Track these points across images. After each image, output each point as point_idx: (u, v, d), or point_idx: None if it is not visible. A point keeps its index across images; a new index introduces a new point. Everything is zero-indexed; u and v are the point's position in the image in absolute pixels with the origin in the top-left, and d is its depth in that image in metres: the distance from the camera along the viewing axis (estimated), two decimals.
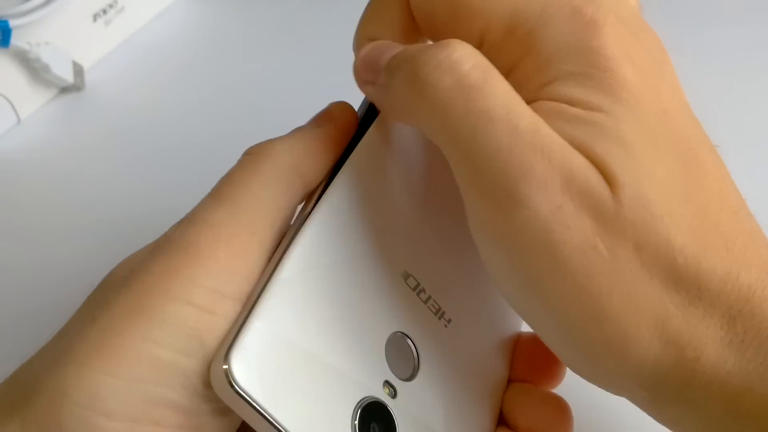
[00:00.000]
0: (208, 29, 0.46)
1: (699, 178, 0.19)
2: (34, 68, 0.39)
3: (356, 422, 0.19)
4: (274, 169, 0.21)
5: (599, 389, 0.20)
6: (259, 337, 0.18)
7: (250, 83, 0.43)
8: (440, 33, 0.20)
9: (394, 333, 0.21)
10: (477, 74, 0.18)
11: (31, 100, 0.41)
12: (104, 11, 0.42)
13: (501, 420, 0.25)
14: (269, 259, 0.20)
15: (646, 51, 0.20)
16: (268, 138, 0.22)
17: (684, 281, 0.18)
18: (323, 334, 0.19)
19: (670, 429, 0.20)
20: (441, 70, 0.18)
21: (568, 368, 0.21)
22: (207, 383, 0.18)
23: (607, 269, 0.18)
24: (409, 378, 0.21)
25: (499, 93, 0.18)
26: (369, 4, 0.23)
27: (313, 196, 0.21)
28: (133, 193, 0.37)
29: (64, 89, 0.42)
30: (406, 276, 0.22)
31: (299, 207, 0.21)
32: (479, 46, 0.20)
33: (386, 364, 0.21)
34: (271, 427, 0.17)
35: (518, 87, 0.19)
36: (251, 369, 0.17)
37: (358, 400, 0.19)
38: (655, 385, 0.18)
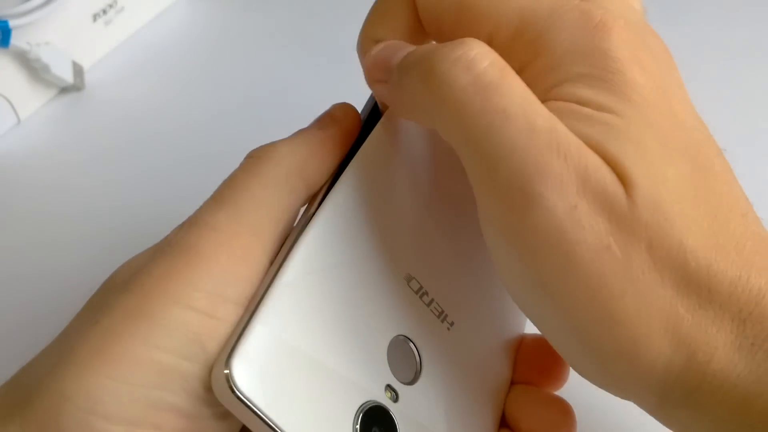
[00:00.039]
0: (208, 29, 0.46)
1: (708, 181, 0.19)
2: (34, 68, 0.39)
3: (358, 426, 0.19)
4: (277, 171, 0.20)
5: (601, 391, 0.20)
6: (261, 342, 0.18)
7: (251, 83, 0.43)
8: (447, 35, 0.20)
9: (397, 336, 0.21)
10: (494, 72, 0.18)
11: (31, 100, 0.41)
12: (104, 11, 0.42)
13: (503, 422, 0.25)
14: (271, 263, 0.20)
15: (653, 55, 0.20)
16: (269, 139, 0.22)
17: (695, 284, 0.18)
18: (325, 339, 0.19)
19: None
20: (457, 68, 0.18)
21: (573, 371, 0.21)
22: (208, 387, 0.18)
23: (620, 271, 0.17)
24: (411, 382, 0.21)
25: (515, 91, 0.18)
26: (374, 6, 0.23)
27: (316, 199, 0.21)
28: (133, 193, 0.37)
29: (64, 89, 0.42)
30: (409, 279, 0.22)
31: (302, 209, 0.21)
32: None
33: (388, 367, 0.21)
34: None
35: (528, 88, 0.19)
36: (253, 374, 0.17)
37: (360, 404, 0.19)
38: (665, 389, 0.18)
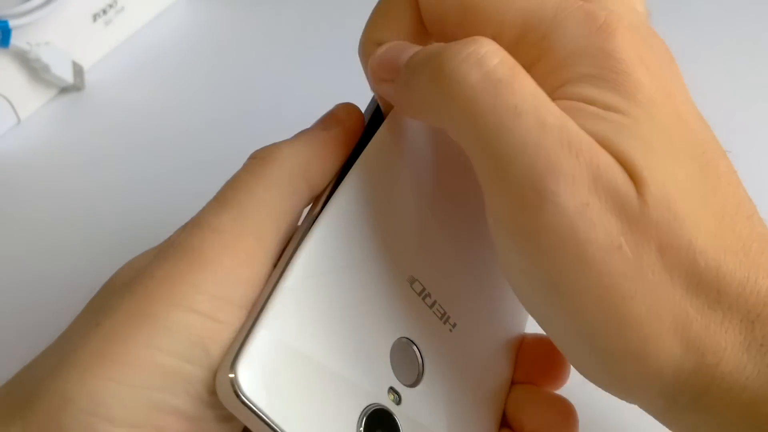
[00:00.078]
0: (208, 29, 0.46)
1: (714, 182, 0.19)
2: (34, 68, 0.39)
3: (361, 429, 0.19)
4: (280, 173, 0.20)
5: (601, 390, 0.20)
6: (265, 346, 0.18)
7: (251, 83, 0.43)
8: (451, 37, 0.20)
9: (399, 339, 0.21)
10: (504, 69, 0.18)
11: (31, 100, 0.41)
12: (104, 11, 0.42)
13: (504, 422, 0.25)
14: (274, 265, 0.20)
15: (656, 56, 0.20)
16: (270, 139, 0.22)
17: (704, 285, 0.18)
18: (328, 342, 0.19)
19: None
20: (468, 64, 0.18)
21: (573, 370, 0.21)
22: (211, 390, 0.18)
23: (630, 271, 0.17)
24: (414, 384, 0.21)
25: (526, 89, 0.18)
26: (376, 9, 0.23)
27: (319, 201, 0.21)
28: (133, 193, 0.37)
29: (64, 89, 0.42)
30: (412, 281, 0.22)
31: (305, 211, 0.21)
32: None
33: (391, 370, 0.21)
34: None
35: None
36: (257, 378, 0.17)
37: (363, 407, 0.19)
38: (674, 392, 0.18)
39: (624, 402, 0.20)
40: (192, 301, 0.18)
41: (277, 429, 0.17)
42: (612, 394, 0.20)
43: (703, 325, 0.18)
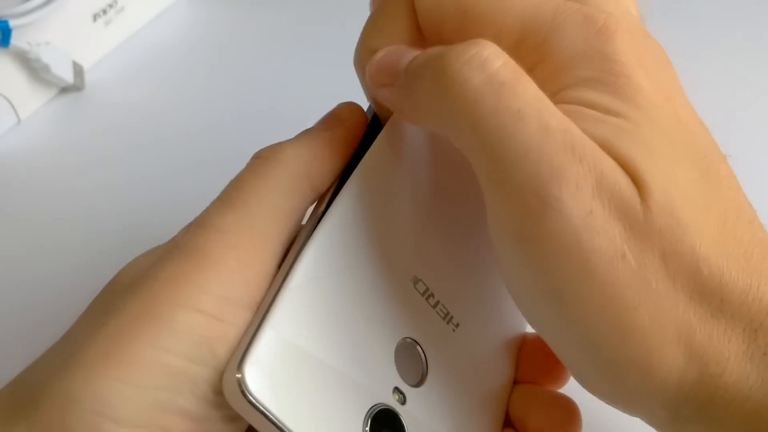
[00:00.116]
0: (208, 29, 0.46)
1: (716, 186, 0.19)
2: (34, 68, 0.39)
3: (367, 429, 0.19)
4: (284, 174, 0.20)
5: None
6: (272, 346, 0.18)
7: (251, 83, 0.43)
8: (449, 44, 0.20)
9: (404, 339, 0.21)
10: (507, 72, 0.18)
11: (31, 100, 0.40)
12: (104, 11, 0.42)
13: (507, 422, 0.25)
14: (279, 266, 0.20)
15: (655, 59, 0.20)
16: (271, 139, 0.22)
17: (707, 293, 0.17)
18: (334, 342, 0.19)
19: None
20: (470, 67, 0.18)
21: (580, 385, 0.20)
22: (217, 390, 0.18)
23: (634, 280, 0.17)
24: (418, 384, 0.21)
25: (529, 92, 0.18)
26: (373, 15, 0.23)
27: (322, 201, 0.21)
28: (133, 193, 0.37)
29: (64, 89, 0.42)
30: (416, 281, 0.22)
31: (308, 211, 0.21)
32: None
33: (395, 370, 0.21)
34: None
35: None
36: (264, 378, 0.17)
37: (369, 407, 0.19)
38: (677, 403, 0.18)
39: None
40: (197, 302, 0.18)
41: (284, 429, 0.17)
42: (614, 406, 0.20)
43: (706, 334, 0.17)
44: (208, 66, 0.44)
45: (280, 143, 0.21)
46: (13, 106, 0.39)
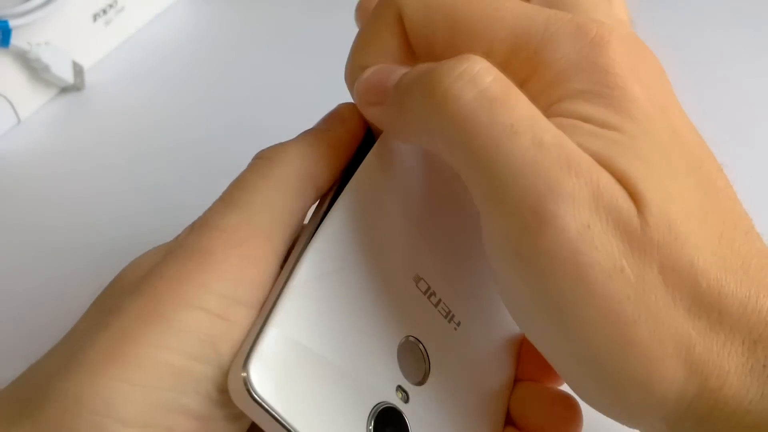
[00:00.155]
0: (208, 29, 0.46)
1: (713, 197, 0.18)
2: (34, 68, 0.39)
3: (371, 427, 0.19)
4: (287, 173, 0.20)
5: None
6: (277, 345, 0.18)
7: (251, 83, 0.43)
8: (440, 59, 0.20)
9: (406, 337, 0.21)
10: (498, 87, 0.18)
11: (31, 100, 0.40)
12: (104, 11, 0.42)
13: (508, 419, 0.25)
14: (281, 265, 0.20)
15: (648, 68, 0.20)
16: (271, 139, 0.22)
17: (706, 305, 0.17)
18: (338, 341, 0.19)
19: None
20: (461, 83, 0.18)
21: (580, 399, 0.20)
22: (221, 389, 0.18)
23: (633, 294, 0.17)
24: (420, 382, 0.21)
25: (521, 106, 0.18)
26: (362, 32, 0.22)
27: (324, 201, 0.21)
28: (133, 192, 0.37)
29: (64, 89, 0.42)
30: (418, 279, 0.22)
31: (310, 211, 0.21)
32: None
33: (398, 368, 0.21)
34: None
35: None
36: (269, 377, 0.17)
37: (373, 405, 0.20)
38: (676, 417, 0.18)
39: None
40: (201, 301, 0.18)
41: (289, 427, 0.17)
42: (613, 419, 0.19)
43: (705, 348, 0.17)
44: (209, 66, 0.44)
45: (282, 143, 0.22)
46: (13, 106, 0.39)
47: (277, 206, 0.20)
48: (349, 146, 0.22)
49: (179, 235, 0.20)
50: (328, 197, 0.21)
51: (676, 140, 0.19)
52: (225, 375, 0.18)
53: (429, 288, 0.22)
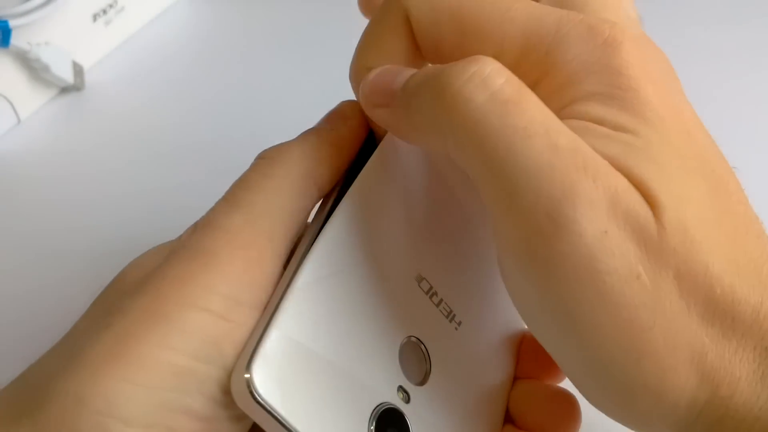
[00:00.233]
0: (209, 29, 0.46)
1: (726, 202, 0.18)
2: (34, 68, 0.39)
3: (372, 428, 0.19)
4: (290, 173, 0.20)
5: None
6: (280, 346, 0.18)
7: (251, 83, 0.43)
8: (448, 60, 0.19)
9: (408, 338, 0.21)
10: (511, 89, 0.17)
11: (31, 100, 0.40)
12: (104, 11, 0.42)
13: (507, 418, 0.25)
14: (284, 266, 0.20)
15: (661, 70, 0.19)
16: (272, 138, 0.22)
17: (720, 312, 0.17)
18: (340, 342, 0.19)
19: None
20: (472, 85, 0.17)
21: (590, 404, 0.20)
22: (224, 390, 0.18)
23: (649, 301, 0.16)
24: (421, 382, 0.21)
25: (534, 109, 0.17)
26: (367, 32, 0.22)
27: (327, 201, 0.21)
28: (133, 193, 0.37)
29: (64, 89, 0.42)
30: (420, 279, 0.22)
31: (313, 210, 0.21)
32: None
33: (400, 369, 0.21)
34: None
35: None
36: (272, 379, 0.17)
37: (374, 406, 0.20)
38: (686, 425, 0.18)
39: None
40: (205, 302, 0.18)
41: (292, 429, 0.17)
42: (623, 425, 0.19)
43: (717, 355, 0.17)
44: (209, 66, 0.44)
45: (285, 143, 0.21)
46: (13, 106, 0.39)
47: (279, 206, 0.20)
48: (352, 145, 0.22)
49: (182, 235, 0.20)
50: (331, 197, 0.21)
51: (689, 143, 0.18)
52: (228, 376, 0.18)
53: (431, 288, 0.22)
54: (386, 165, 0.22)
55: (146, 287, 0.18)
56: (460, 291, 0.24)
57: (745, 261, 0.17)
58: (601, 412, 0.21)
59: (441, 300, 0.23)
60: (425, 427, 0.21)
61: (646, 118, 0.18)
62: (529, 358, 0.26)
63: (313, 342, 0.19)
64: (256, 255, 0.19)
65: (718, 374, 0.17)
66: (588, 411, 0.24)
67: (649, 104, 0.18)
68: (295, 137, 0.22)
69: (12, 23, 0.37)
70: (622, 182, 0.17)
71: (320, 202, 0.22)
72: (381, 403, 0.20)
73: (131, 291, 0.19)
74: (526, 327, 0.27)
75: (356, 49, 0.22)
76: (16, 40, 0.37)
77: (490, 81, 0.17)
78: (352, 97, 0.23)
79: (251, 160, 0.21)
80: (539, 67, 0.19)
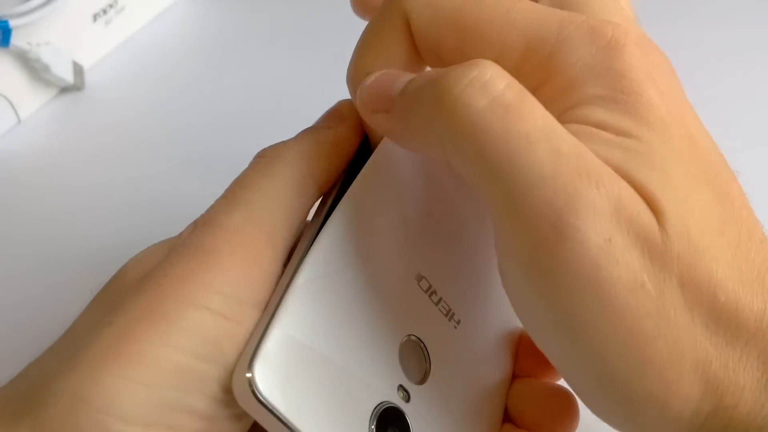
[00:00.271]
0: (208, 29, 0.46)
1: (728, 207, 0.18)
2: (34, 68, 0.39)
3: (373, 427, 0.19)
4: (289, 172, 0.20)
5: None
6: (281, 345, 0.18)
7: (251, 83, 0.43)
8: (448, 64, 0.19)
9: (408, 337, 0.21)
10: (512, 94, 0.17)
11: (31, 100, 0.40)
12: (104, 11, 0.42)
13: (506, 416, 0.25)
14: (284, 264, 0.20)
15: (663, 72, 0.19)
16: (271, 138, 0.22)
17: (724, 320, 0.17)
18: (341, 341, 0.19)
19: None
20: (473, 90, 0.17)
21: (593, 413, 0.19)
22: (225, 389, 0.18)
23: (653, 310, 0.16)
24: (421, 381, 0.21)
25: (536, 114, 0.17)
26: (365, 35, 0.21)
27: (327, 199, 0.21)
28: (133, 193, 0.37)
29: (64, 89, 0.42)
30: (419, 278, 0.22)
31: (312, 209, 0.21)
32: None
33: (400, 368, 0.21)
34: None
35: None
36: (274, 378, 0.17)
37: (375, 405, 0.20)
38: None
39: None
40: (206, 300, 0.18)
41: (294, 429, 0.17)
42: None
43: (722, 364, 0.17)
44: (208, 66, 0.44)
45: (284, 142, 0.22)
46: (13, 106, 0.39)
47: (279, 205, 0.20)
48: (350, 144, 0.22)
49: (182, 233, 0.20)
50: (331, 195, 0.21)
51: (692, 148, 0.18)
52: (229, 375, 0.18)
53: (430, 287, 0.22)
54: (386, 163, 0.22)
55: (146, 285, 0.18)
56: (459, 290, 0.24)
57: (748, 268, 0.17)
58: None
59: (440, 299, 0.23)
60: (425, 426, 0.21)
61: (649, 122, 0.18)
62: (527, 357, 0.26)
63: (314, 341, 0.19)
64: (256, 253, 0.19)
65: (722, 384, 0.17)
66: (586, 409, 0.25)
67: (652, 108, 0.18)
68: (293, 136, 0.22)
69: (12, 23, 0.37)
70: (626, 189, 0.17)
71: (320, 200, 0.22)
72: (381, 402, 0.20)
73: (131, 289, 0.19)
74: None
75: (354, 51, 0.21)
76: (16, 40, 0.37)
77: (491, 85, 0.17)
78: (353, 99, 0.23)
79: (250, 158, 0.21)
80: (541, 70, 0.19)
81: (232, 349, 0.18)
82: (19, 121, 0.40)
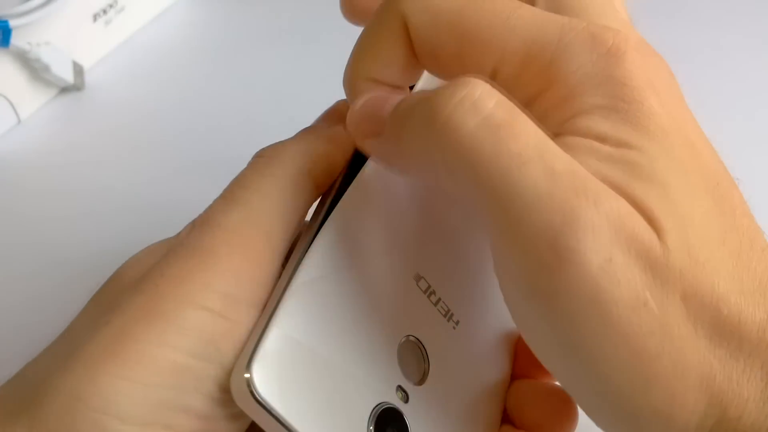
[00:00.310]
0: (208, 29, 0.46)
1: (729, 217, 0.18)
2: (34, 68, 0.39)
3: (372, 428, 0.19)
4: (288, 171, 0.20)
5: None
6: (280, 346, 0.18)
7: (251, 83, 0.43)
8: (447, 69, 0.19)
9: (406, 337, 0.21)
10: (502, 112, 0.17)
11: (31, 100, 0.40)
12: (104, 11, 0.42)
13: (504, 417, 0.25)
14: (283, 264, 0.20)
15: (663, 79, 0.19)
16: (270, 138, 0.22)
17: (727, 332, 0.16)
18: (340, 341, 0.19)
19: None
20: (463, 109, 0.16)
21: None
22: (223, 388, 0.18)
23: (657, 328, 0.16)
24: (420, 382, 0.21)
25: (529, 132, 0.17)
26: (362, 38, 0.21)
27: (326, 199, 0.21)
28: (133, 193, 0.37)
29: (64, 89, 0.42)
30: (418, 278, 0.22)
31: (311, 208, 0.21)
32: (492, 81, 0.18)
33: (399, 368, 0.21)
34: None
35: (540, 122, 0.17)
36: (272, 378, 0.17)
37: (373, 406, 0.19)
38: None
39: None
40: (204, 300, 0.18)
41: (291, 429, 0.17)
42: None
43: (726, 377, 0.16)
44: (208, 66, 0.44)
45: (282, 142, 0.22)
46: (13, 106, 0.39)
47: (278, 204, 0.20)
48: (350, 143, 0.22)
49: (180, 233, 0.20)
50: (329, 195, 0.21)
51: (693, 156, 0.18)
52: (227, 374, 0.18)
53: (429, 287, 0.22)
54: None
55: (144, 285, 0.18)
56: (458, 290, 0.24)
57: (750, 278, 0.17)
58: None
59: (439, 299, 0.23)
60: (424, 426, 0.21)
61: (649, 131, 0.17)
62: (525, 357, 0.26)
63: (312, 341, 0.19)
64: (254, 253, 0.19)
65: (726, 396, 0.16)
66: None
67: (653, 116, 0.18)
68: (292, 136, 0.22)
69: (12, 23, 0.37)
70: (624, 205, 0.16)
71: (318, 200, 0.22)
72: (380, 403, 0.20)
73: (129, 289, 0.19)
74: None
75: (351, 55, 0.21)
76: (16, 40, 0.37)
77: (481, 104, 0.17)
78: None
79: (249, 158, 0.21)
80: (541, 77, 0.19)
81: (230, 349, 0.18)
82: (19, 121, 0.40)
